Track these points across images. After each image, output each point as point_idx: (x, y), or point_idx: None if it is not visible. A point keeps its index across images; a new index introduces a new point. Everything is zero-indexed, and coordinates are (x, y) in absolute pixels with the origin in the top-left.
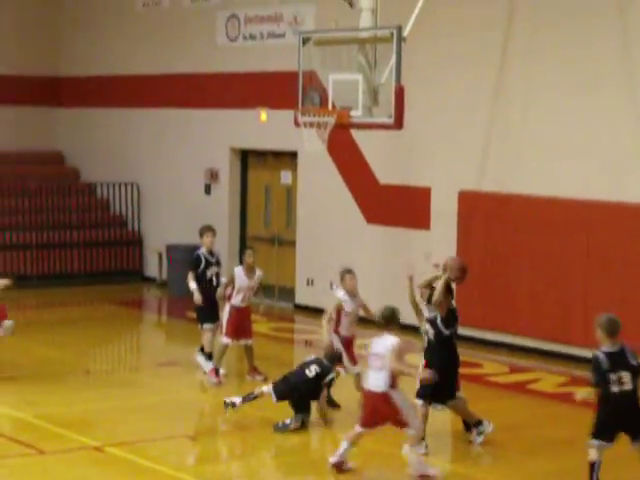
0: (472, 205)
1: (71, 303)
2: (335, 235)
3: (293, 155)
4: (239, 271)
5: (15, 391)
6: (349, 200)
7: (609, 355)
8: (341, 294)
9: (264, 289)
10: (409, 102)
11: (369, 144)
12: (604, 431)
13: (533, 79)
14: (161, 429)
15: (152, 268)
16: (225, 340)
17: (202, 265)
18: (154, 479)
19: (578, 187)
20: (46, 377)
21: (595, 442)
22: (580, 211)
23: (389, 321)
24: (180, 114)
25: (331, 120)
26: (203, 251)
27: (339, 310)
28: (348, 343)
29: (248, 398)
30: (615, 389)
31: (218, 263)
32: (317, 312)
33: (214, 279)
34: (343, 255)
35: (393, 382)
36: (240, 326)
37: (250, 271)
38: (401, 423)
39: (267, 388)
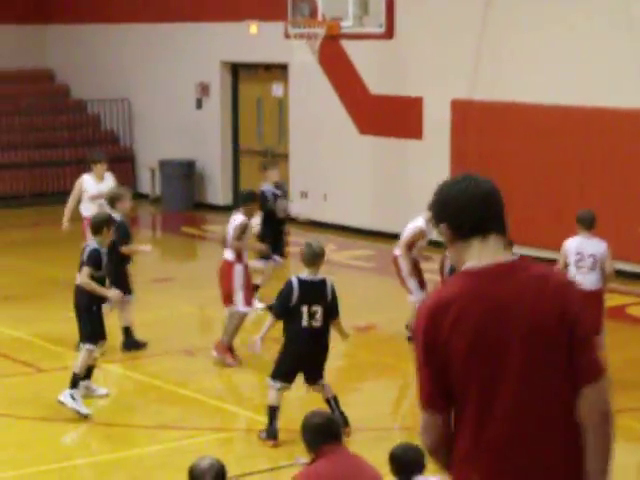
0: (465, 114)
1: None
2: (328, 147)
3: (284, 67)
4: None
5: (12, 310)
6: (341, 111)
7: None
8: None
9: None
10: (400, 11)
11: (360, 54)
12: None
13: None
14: (159, 345)
15: (145, 184)
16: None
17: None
18: (155, 394)
19: (572, 94)
20: (42, 295)
21: None
22: (574, 117)
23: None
24: (170, 28)
25: (321, 31)
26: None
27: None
28: None
29: None
30: None
31: None
32: (312, 225)
33: None
34: (336, 167)
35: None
36: None
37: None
38: None
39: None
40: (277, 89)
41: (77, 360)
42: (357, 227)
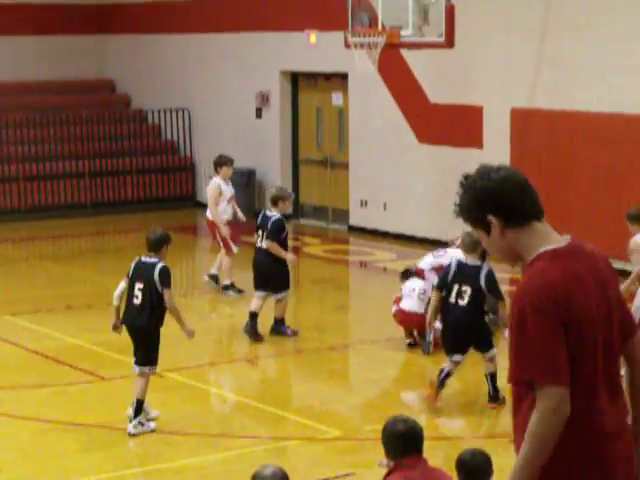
0: (525, 122)
1: (125, 230)
2: (388, 156)
3: (344, 76)
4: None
5: (73, 319)
6: (401, 120)
7: None
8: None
9: (317, 211)
10: (460, 20)
11: (419, 63)
12: None
13: None
14: (220, 353)
15: (205, 193)
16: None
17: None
18: (215, 403)
19: (634, 102)
20: (104, 304)
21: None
22: (637, 126)
23: None
24: (229, 38)
25: (381, 40)
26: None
27: None
28: None
29: None
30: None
31: None
32: (371, 234)
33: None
34: (396, 176)
35: None
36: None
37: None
38: None
39: None
40: (337, 98)
41: (140, 386)
42: (417, 236)
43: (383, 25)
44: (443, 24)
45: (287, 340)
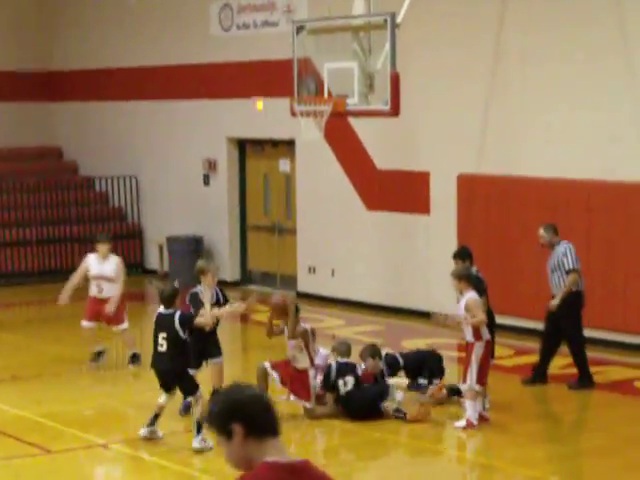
0: (471, 188)
1: (73, 298)
2: (335, 222)
3: (291, 143)
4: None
5: (19, 390)
6: (348, 187)
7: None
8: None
9: (266, 277)
10: (405, 87)
11: (366, 130)
12: None
13: (530, 59)
14: (167, 425)
15: (153, 260)
16: None
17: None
18: (161, 475)
19: (577, 168)
20: (50, 375)
21: None
22: (580, 192)
23: None
24: (176, 105)
25: (327, 109)
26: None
27: None
28: None
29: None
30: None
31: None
32: (319, 300)
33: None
34: (344, 242)
35: None
36: None
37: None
38: None
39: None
40: (284, 165)
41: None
42: (365, 302)
43: (329, 93)
44: (388, 92)
45: None
